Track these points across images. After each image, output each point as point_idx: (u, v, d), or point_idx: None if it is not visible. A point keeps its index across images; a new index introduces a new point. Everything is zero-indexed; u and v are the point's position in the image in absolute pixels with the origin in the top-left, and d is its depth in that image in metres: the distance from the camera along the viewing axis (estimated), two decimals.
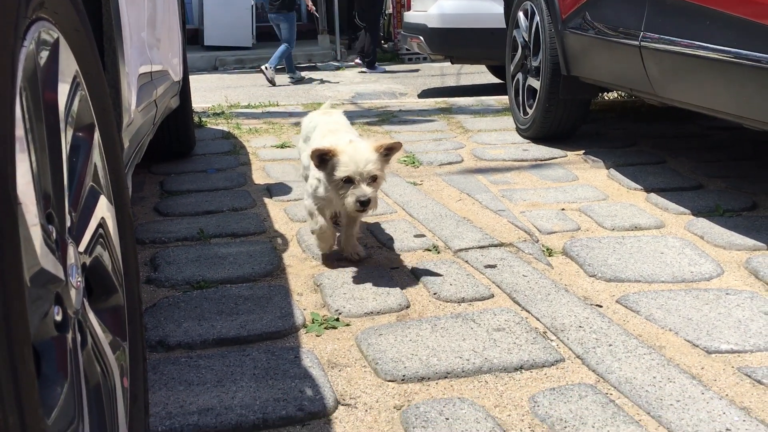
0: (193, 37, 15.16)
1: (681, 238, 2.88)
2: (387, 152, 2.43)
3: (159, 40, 3.16)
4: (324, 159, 2.42)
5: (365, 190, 2.37)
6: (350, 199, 2.37)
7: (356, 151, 2.38)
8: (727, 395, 1.82)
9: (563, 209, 3.32)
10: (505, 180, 3.84)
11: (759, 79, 2.61)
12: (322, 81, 10.61)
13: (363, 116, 5.92)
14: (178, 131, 4.37)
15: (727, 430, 1.68)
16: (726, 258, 2.67)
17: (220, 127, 5.53)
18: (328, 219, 2.72)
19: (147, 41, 2.72)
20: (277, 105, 6.75)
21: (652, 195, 3.43)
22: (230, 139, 5.08)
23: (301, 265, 2.75)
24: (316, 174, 2.60)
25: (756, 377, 1.89)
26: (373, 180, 2.39)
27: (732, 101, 2.88)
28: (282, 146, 4.79)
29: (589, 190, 3.59)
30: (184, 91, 4.32)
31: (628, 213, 3.19)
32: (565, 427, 1.71)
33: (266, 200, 3.60)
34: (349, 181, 2.37)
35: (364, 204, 2.38)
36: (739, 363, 1.97)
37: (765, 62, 2.52)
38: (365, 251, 2.81)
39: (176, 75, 3.84)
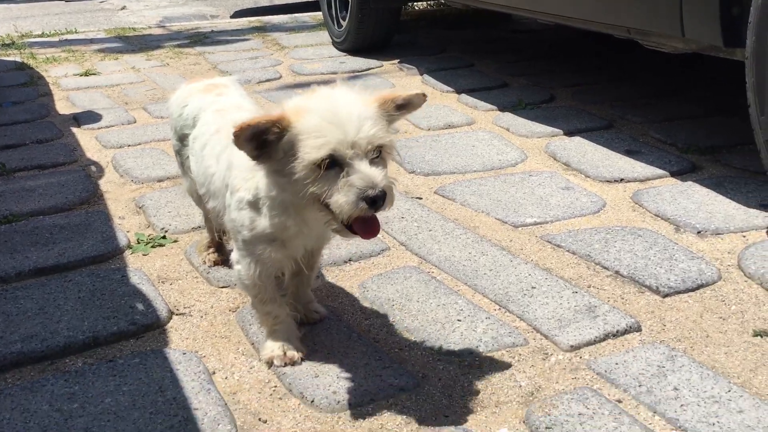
0: None
1: (489, 131, 3.08)
2: (398, 109, 1.40)
3: None
4: (265, 140, 1.33)
5: (373, 173, 1.29)
6: (346, 199, 1.28)
7: (336, 107, 1.32)
8: (532, 260, 2.03)
9: None
10: None
11: None
12: (124, 7, 9.87)
13: (173, 39, 5.63)
14: None
15: (533, 287, 1.88)
16: (529, 145, 2.91)
17: (11, 58, 5.02)
18: (276, 293, 1.63)
19: None
20: (76, 32, 6.23)
21: (463, 96, 3.62)
22: (25, 70, 4.64)
23: (120, 190, 2.64)
24: (244, 188, 1.49)
25: (555, 242, 2.11)
26: (377, 155, 1.34)
27: None
28: (86, 74, 4.46)
29: None
30: None
31: (442, 113, 3.36)
32: (393, 306, 1.83)
33: (74, 130, 3.37)
34: (333, 164, 1.30)
35: (377, 201, 1.29)
36: (542, 232, 2.19)
37: None
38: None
39: None
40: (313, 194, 1.32)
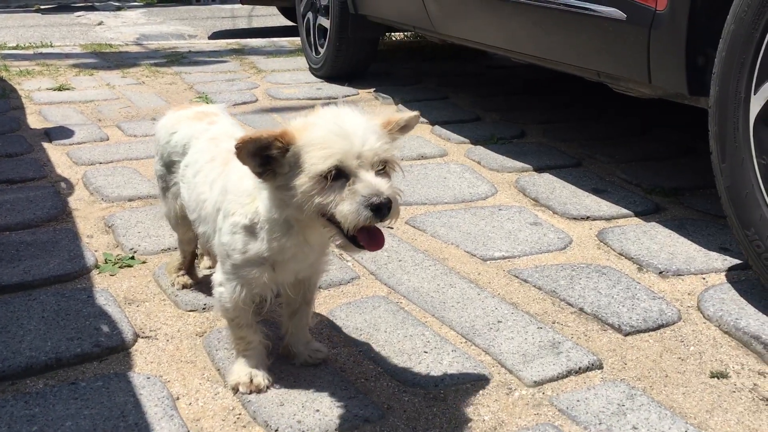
0: None
1: (461, 164, 3.13)
2: (400, 130, 1.46)
3: None
4: (269, 156, 1.35)
5: (378, 182, 1.31)
6: (350, 207, 1.29)
7: (342, 121, 1.34)
8: (499, 294, 2.06)
9: None
10: None
11: (523, 15, 2.88)
12: (101, 23, 9.83)
13: (150, 58, 5.63)
14: None
15: (499, 321, 1.91)
16: (499, 179, 2.96)
17: None
18: (253, 319, 1.62)
19: None
20: (52, 46, 6.19)
21: (437, 127, 3.67)
22: None
23: (90, 208, 2.63)
24: (240, 212, 1.49)
25: (522, 277, 2.15)
26: (382, 168, 1.35)
27: (501, 36, 3.14)
28: (60, 89, 4.44)
29: None
30: None
31: (415, 144, 3.40)
32: (361, 335, 1.84)
33: (45, 145, 3.34)
34: (339, 176, 1.31)
35: (382, 209, 1.30)
36: (509, 267, 2.22)
37: None
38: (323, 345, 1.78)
39: None
40: (319, 205, 1.32)
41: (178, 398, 1.59)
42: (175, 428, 1.47)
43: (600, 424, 1.51)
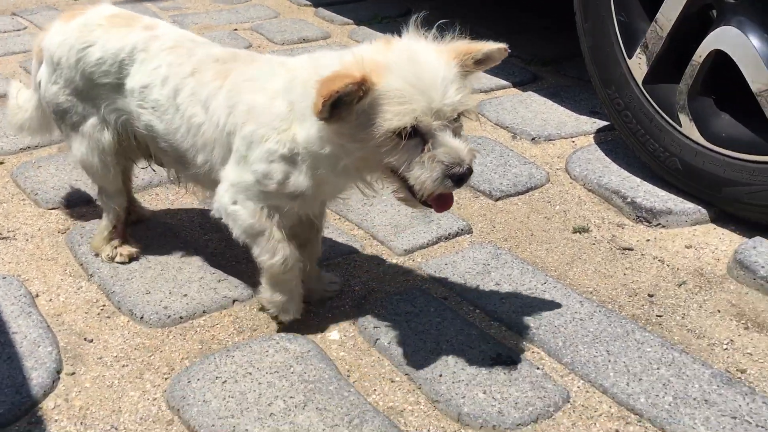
0: None
1: (344, 45, 3.04)
2: (476, 63, 1.24)
3: None
4: (341, 100, 1.13)
5: (460, 147, 1.17)
6: (430, 175, 1.16)
7: (417, 65, 1.16)
8: None
9: (236, 29, 3.29)
10: (176, 6, 3.66)
11: None
12: None
13: None
14: None
15: (373, 197, 1.90)
16: None
17: None
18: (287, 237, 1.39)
19: None
20: None
21: (320, 9, 3.53)
22: None
23: None
24: (275, 139, 1.28)
25: None
26: (456, 121, 1.19)
27: None
28: None
29: (261, 10, 3.58)
30: None
31: (297, 27, 3.27)
32: None
33: None
34: (414, 133, 1.15)
35: (463, 179, 1.17)
36: None
37: None
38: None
39: None
40: (389, 164, 1.17)
41: (37, 296, 1.53)
42: (33, 324, 1.42)
43: (465, 283, 1.56)
